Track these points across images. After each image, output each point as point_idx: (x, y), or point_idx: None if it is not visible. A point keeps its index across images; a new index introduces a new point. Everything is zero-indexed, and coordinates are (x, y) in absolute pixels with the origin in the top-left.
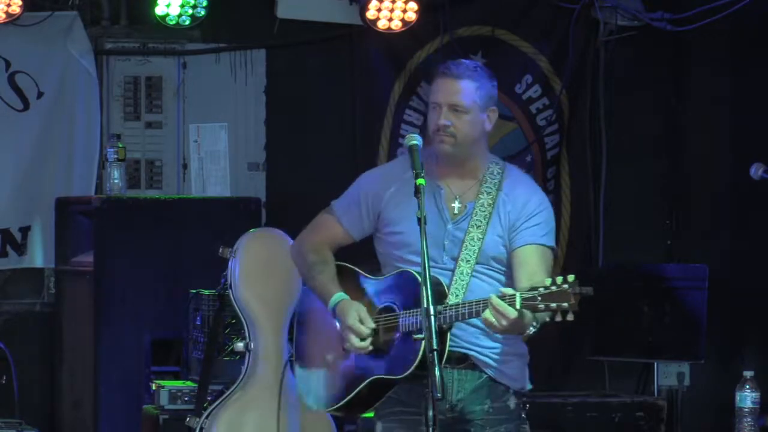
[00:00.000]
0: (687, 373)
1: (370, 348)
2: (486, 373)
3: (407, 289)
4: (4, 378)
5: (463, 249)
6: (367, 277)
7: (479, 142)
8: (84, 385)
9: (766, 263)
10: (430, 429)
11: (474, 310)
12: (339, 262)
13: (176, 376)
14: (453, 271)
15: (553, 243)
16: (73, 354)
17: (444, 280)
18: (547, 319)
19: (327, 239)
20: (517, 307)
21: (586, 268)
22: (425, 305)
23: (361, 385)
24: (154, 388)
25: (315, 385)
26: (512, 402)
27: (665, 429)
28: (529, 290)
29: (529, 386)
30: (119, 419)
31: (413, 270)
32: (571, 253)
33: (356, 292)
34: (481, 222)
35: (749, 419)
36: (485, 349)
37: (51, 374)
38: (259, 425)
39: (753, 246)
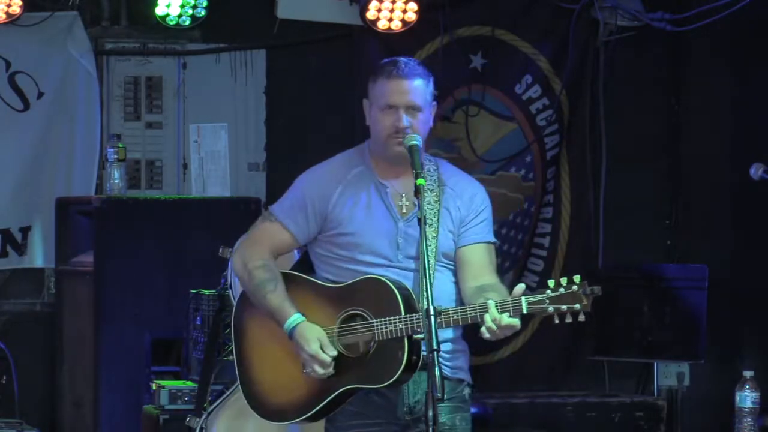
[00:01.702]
0: (687, 373)
1: (332, 373)
2: (440, 372)
3: (377, 296)
4: (4, 378)
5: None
6: (321, 284)
7: (425, 140)
8: (84, 385)
9: (766, 263)
10: (431, 429)
11: (469, 316)
12: (286, 271)
13: (176, 376)
14: (416, 272)
15: (494, 238)
16: (73, 354)
17: (407, 283)
18: (557, 321)
19: (273, 248)
20: (524, 312)
21: (586, 268)
22: (425, 305)
23: (333, 395)
24: (154, 388)
25: (272, 399)
26: (466, 392)
27: (665, 429)
28: (536, 294)
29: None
30: (119, 419)
31: (382, 276)
32: (571, 253)
33: (311, 300)
34: (432, 220)
35: (749, 419)
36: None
37: (51, 374)
38: (259, 425)
39: (753, 246)
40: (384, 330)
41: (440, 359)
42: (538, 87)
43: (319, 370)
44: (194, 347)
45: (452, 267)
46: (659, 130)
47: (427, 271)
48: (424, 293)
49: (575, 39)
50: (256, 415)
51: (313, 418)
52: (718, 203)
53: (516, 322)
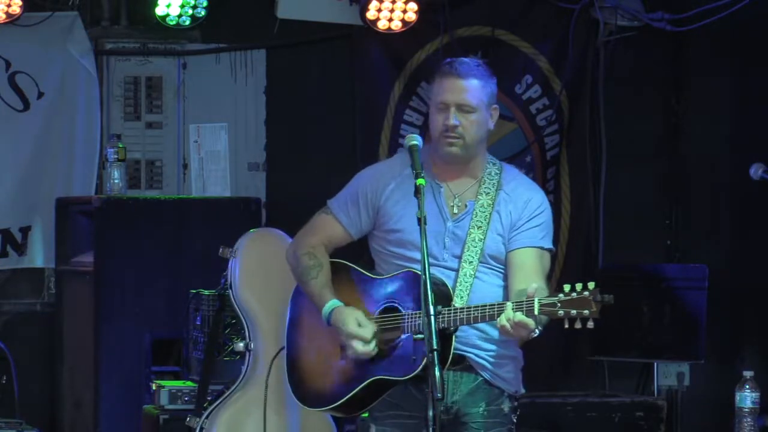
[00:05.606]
0: (687, 373)
1: (375, 351)
2: (482, 376)
3: (412, 290)
4: (4, 378)
5: (466, 250)
6: (366, 275)
7: (483, 142)
8: (84, 385)
9: (766, 263)
10: (431, 429)
11: (487, 314)
12: (336, 260)
13: (176, 376)
14: (457, 271)
15: (551, 245)
16: (73, 354)
17: (448, 282)
18: (566, 326)
19: (325, 240)
20: (536, 313)
21: (586, 268)
22: (425, 305)
23: (360, 386)
24: (154, 388)
25: (310, 385)
26: (506, 406)
27: (665, 429)
28: (548, 296)
29: (522, 390)
30: (119, 419)
31: (418, 270)
32: (571, 253)
33: (355, 291)
34: (482, 222)
35: (749, 419)
36: (482, 351)
37: (51, 374)
38: (259, 425)
39: (753, 246)
40: (413, 324)
41: (483, 361)
42: (538, 87)
43: (360, 348)
44: (194, 347)
45: (501, 270)
46: (659, 130)
47: (427, 270)
48: (425, 293)
49: (575, 39)
50: (297, 402)
51: (346, 409)
52: (718, 203)
53: (529, 321)
